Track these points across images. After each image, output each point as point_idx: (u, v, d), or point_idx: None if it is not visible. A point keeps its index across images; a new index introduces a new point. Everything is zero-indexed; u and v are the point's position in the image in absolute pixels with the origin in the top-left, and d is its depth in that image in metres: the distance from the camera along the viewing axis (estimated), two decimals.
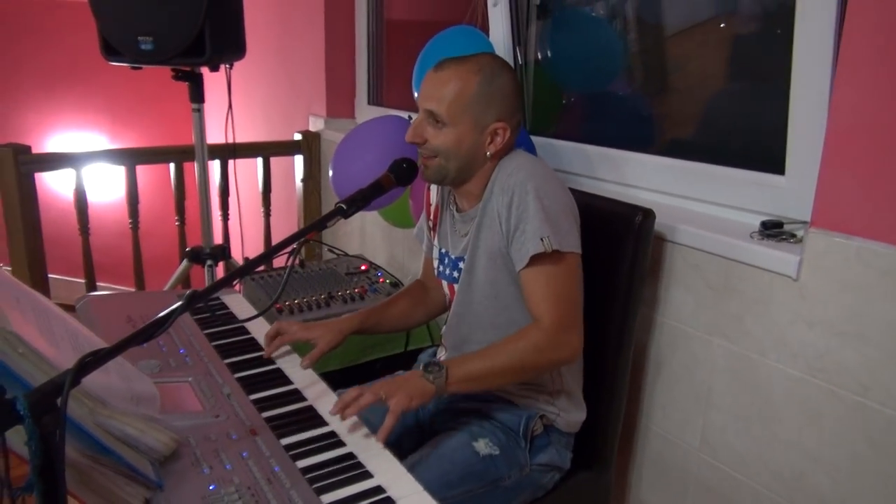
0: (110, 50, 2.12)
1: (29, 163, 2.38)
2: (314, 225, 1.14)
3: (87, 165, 2.53)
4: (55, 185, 4.03)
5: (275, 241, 3.02)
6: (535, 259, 1.20)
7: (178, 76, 2.23)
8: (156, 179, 3.73)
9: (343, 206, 1.19)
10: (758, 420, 1.34)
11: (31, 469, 0.72)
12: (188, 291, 1.60)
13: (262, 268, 2.61)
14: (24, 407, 0.69)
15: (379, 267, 2.33)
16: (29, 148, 2.39)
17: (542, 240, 1.18)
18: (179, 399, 1.20)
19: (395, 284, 2.20)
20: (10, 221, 2.41)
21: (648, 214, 1.37)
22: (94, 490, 0.85)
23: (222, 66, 2.19)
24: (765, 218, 1.38)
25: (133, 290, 2.82)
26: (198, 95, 2.27)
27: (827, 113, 1.22)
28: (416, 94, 1.84)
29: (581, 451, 1.43)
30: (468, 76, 1.25)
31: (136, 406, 1.03)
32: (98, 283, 2.69)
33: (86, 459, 0.86)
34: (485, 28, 2.00)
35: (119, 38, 2.07)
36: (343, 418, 1.12)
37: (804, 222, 1.31)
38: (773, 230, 1.34)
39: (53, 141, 4.50)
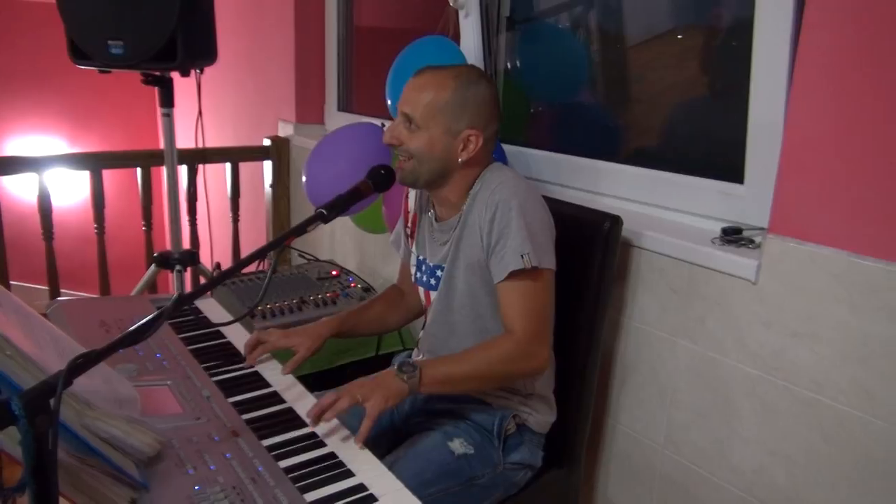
0: (79, 53, 2.10)
1: None
2: (295, 230, 1.16)
3: (52, 169, 2.49)
4: (9, 189, 3.94)
5: (243, 246, 3.01)
6: (514, 273, 1.25)
7: (148, 81, 2.21)
8: (115, 184, 3.68)
9: (324, 211, 1.21)
10: (718, 417, 1.41)
11: (24, 469, 0.74)
12: (175, 294, 1.61)
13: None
14: (18, 408, 0.70)
15: (350, 272, 2.35)
16: None
17: (522, 256, 1.23)
18: (159, 402, 1.21)
19: (367, 289, 2.23)
20: None
21: (616, 221, 1.43)
22: (83, 490, 0.86)
23: (193, 71, 2.19)
24: (725, 224, 1.45)
25: (97, 295, 2.78)
26: (168, 100, 2.26)
27: (783, 126, 1.30)
28: (388, 102, 1.87)
29: (552, 449, 1.48)
30: (444, 82, 1.29)
31: (119, 408, 1.04)
32: (60, 290, 2.65)
33: (74, 460, 0.87)
34: (456, 38, 2.05)
35: (88, 41, 2.06)
36: (315, 423, 1.15)
37: (762, 228, 1.38)
38: (732, 236, 1.41)
39: (11, 145, 4.40)
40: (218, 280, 1.02)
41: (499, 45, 2.10)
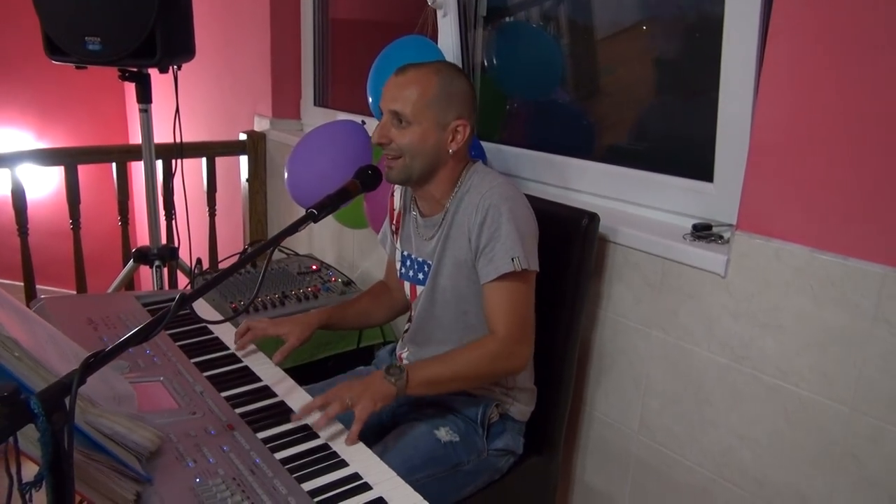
0: (54, 49, 2.08)
1: None
2: (287, 230, 1.20)
3: (24, 164, 2.47)
4: None
5: (220, 241, 3.02)
6: (502, 276, 1.30)
7: (125, 77, 2.21)
8: (84, 178, 3.65)
9: (314, 211, 1.25)
10: (690, 403, 1.49)
11: (41, 464, 0.77)
12: (178, 292, 1.63)
13: (207, 268, 2.62)
14: (38, 406, 0.74)
15: (330, 266, 2.38)
16: None
17: (513, 259, 1.29)
18: (154, 398, 1.24)
19: (347, 283, 2.26)
20: None
21: (594, 218, 1.49)
22: (91, 484, 0.89)
23: (170, 67, 2.19)
24: (696, 221, 1.53)
25: (73, 291, 2.76)
26: (145, 96, 2.26)
27: (750, 128, 1.38)
28: (370, 100, 1.91)
29: (532, 436, 1.54)
30: (428, 77, 1.34)
31: (118, 405, 1.07)
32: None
33: (81, 455, 0.90)
34: (435, 38, 2.09)
35: (65, 37, 2.04)
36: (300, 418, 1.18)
37: (730, 225, 1.46)
38: (703, 232, 1.48)
39: None
40: (220, 278, 1.05)
41: (475, 44, 2.15)
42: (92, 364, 0.81)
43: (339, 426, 1.20)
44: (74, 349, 1.12)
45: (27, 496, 0.78)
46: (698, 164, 1.56)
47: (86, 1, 1.98)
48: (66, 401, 0.78)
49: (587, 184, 1.79)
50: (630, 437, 1.63)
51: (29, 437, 0.79)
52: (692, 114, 1.69)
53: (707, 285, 1.42)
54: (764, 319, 1.33)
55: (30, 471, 0.80)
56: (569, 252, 1.50)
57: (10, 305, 1.04)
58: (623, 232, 1.56)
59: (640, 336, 1.57)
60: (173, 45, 2.08)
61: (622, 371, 1.62)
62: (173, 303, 0.97)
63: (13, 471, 0.77)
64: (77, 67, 2.14)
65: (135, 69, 2.18)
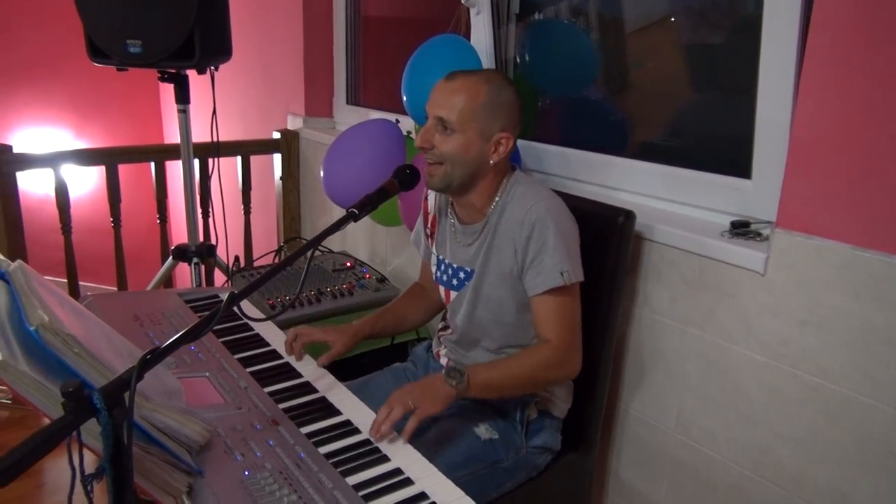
0: (97, 52, 2.13)
1: (11, 162, 2.39)
2: (329, 229, 1.22)
3: (67, 164, 2.54)
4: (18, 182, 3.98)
5: (255, 238, 3.07)
6: (551, 288, 1.32)
7: (165, 78, 2.26)
8: (122, 177, 3.74)
9: (355, 211, 1.27)
10: (727, 402, 1.48)
11: (102, 457, 0.80)
12: (218, 290, 1.67)
13: (244, 265, 2.67)
14: (100, 401, 0.77)
15: (364, 263, 2.41)
16: (10, 147, 2.40)
17: (562, 273, 1.31)
18: (201, 393, 1.28)
19: (381, 280, 2.29)
20: None
21: (630, 216, 1.49)
22: (147, 476, 0.93)
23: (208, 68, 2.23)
24: (733, 218, 1.52)
25: (114, 288, 2.83)
26: (184, 97, 2.30)
27: (789, 123, 1.36)
28: (404, 98, 1.92)
29: (569, 433, 1.55)
30: (478, 86, 1.34)
31: (168, 400, 1.10)
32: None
33: (137, 449, 0.93)
34: (468, 35, 2.10)
35: (107, 40, 2.09)
36: (379, 439, 1.18)
37: (769, 222, 1.45)
38: (741, 229, 1.47)
39: (19, 135, 4.43)
40: (265, 278, 1.08)
41: (508, 41, 2.15)
42: (149, 361, 0.84)
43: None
44: (126, 345, 1.16)
45: (89, 487, 0.81)
46: (734, 160, 1.55)
47: (127, 4, 2.03)
48: (125, 396, 0.81)
49: (622, 181, 1.79)
50: (666, 434, 1.63)
51: (90, 430, 0.83)
52: (727, 108, 1.68)
53: (746, 283, 1.41)
54: (804, 317, 1.32)
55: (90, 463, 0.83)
56: (605, 250, 1.50)
57: (67, 303, 1.08)
58: (659, 229, 1.56)
59: (677, 334, 1.56)
60: (211, 47, 2.12)
61: (658, 368, 1.62)
62: (223, 302, 1.00)
63: (76, 463, 0.80)
64: (118, 69, 2.19)
65: (174, 70, 2.22)
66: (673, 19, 1.80)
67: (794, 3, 1.34)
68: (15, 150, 2.41)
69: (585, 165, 1.88)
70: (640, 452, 1.70)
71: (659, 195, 1.71)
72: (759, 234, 1.45)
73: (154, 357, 0.85)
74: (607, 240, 1.50)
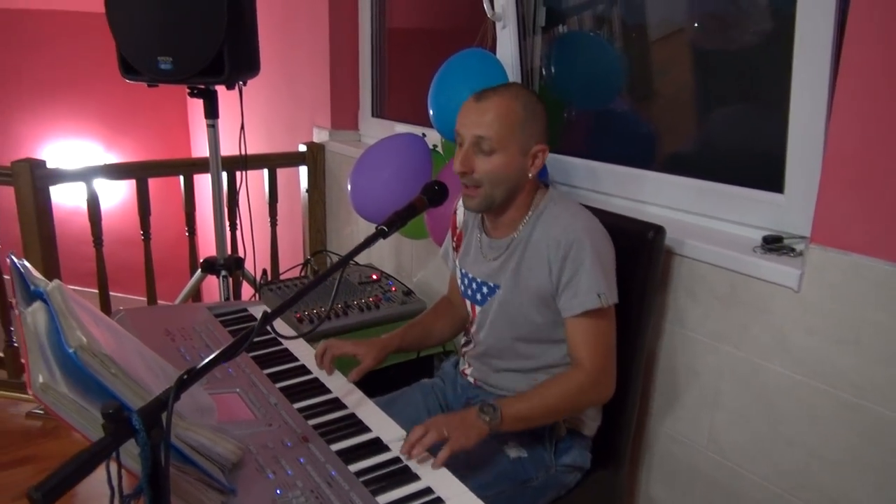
0: (129, 69, 2.18)
1: (45, 177, 2.44)
2: (360, 247, 1.23)
3: (99, 178, 2.59)
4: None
5: (281, 250, 3.09)
6: (587, 311, 1.31)
7: (194, 94, 2.29)
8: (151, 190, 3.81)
9: (384, 228, 1.28)
10: (762, 420, 1.46)
11: (140, 477, 0.81)
12: (247, 304, 1.68)
13: (271, 279, 2.69)
14: (139, 423, 0.78)
15: (389, 276, 2.41)
16: (44, 163, 2.45)
17: (599, 296, 1.30)
18: (232, 409, 1.29)
19: (407, 293, 2.29)
20: (26, 233, 2.46)
21: (659, 231, 1.48)
22: (181, 496, 0.93)
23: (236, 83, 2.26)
24: (765, 233, 1.49)
25: (143, 298, 2.87)
26: (213, 112, 2.34)
27: (824, 135, 1.34)
28: (431, 112, 1.93)
29: (598, 451, 1.53)
30: (510, 103, 1.33)
31: (200, 416, 1.11)
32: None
33: (172, 468, 0.94)
34: (494, 49, 2.10)
35: (138, 57, 2.13)
36: (409, 457, 1.18)
37: (803, 237, 1.43)
38: (774, 244, 1.45)
39: (50, 148, 4.53)
40: (298, 297, 1.08)
41: (534, 54, 2.15)
42: (185, 381, 0.85)
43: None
44: (159, 362, 1.18)
45: None
46: (765, 173, 1.53)
47: (159, 23, 2.07)
48: (163, 416, 0.82)
49: (651, 194, 1.77)
50: (698, 452, 1.60)
51: (128, 451, 0.84)
52: (757, 119, 1.66)
53: (779, 299, 1.39)
54: (841, 335, 1.29)
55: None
56: (634, 265, 1.49)
57: (102, 321, 1.10)
58: (690, 244, 1.54)
59: (709, 350, 1.54)
60: (240, 63, 2.15)
61: (690, 385, 1.60)
62: (256, 321, 1.00)
63: (115, 483, 0.81)
64: (149, 85, 2.23)
65: (203, 86, 2.26)
66: (697, 25, 1.78)
67: (829, 9, 1.31)
68: (49, 165, 2.46)
69: (613, 179, 1.87)
70: (671, 470, 1.68)
71: (688, 209, 1.69)
72: (793, 250, 1.43)
73: (190, 378, 0.86)
74: (637, 255, 1.48)
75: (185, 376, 0.86)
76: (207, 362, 0.90)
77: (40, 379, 0.81)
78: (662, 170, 1.79)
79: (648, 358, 1.62)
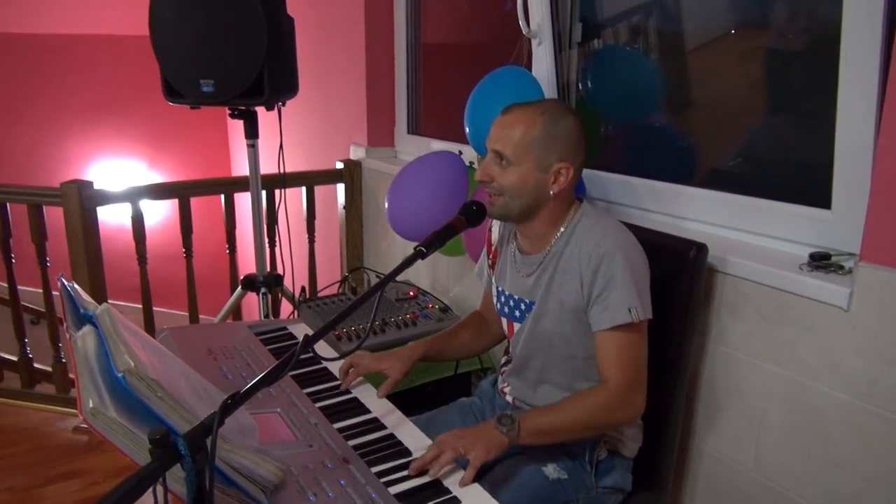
0: (172, 91, 2.23)
1: (92, 198, 2.51)
2: (399, 268, 1.24)
3: (144, 199, 2.66)
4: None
5: (318, 266, 3.13)
6: (617, 325, 1.29)
7: (235, 114, 2.34)
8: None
9: (423, 249, 1.28)
10: (811, 442, 1.41)
11: (186, 501, 0.82)
12: (286, 322, 1.70)
13: (309, 296, 2.72)
14: (184, 447, 0.79)
15: (426, 292, 2.42)
16: (92, 184, 2.52)
17: (630, 310, 1.28)
18: (273, 429, 1.30)
19: (444, 310, 2.29)
20: (74, 252, 2.54)
21: (702, 248, 1.45)
22: None
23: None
24: (812, 250, 1.46)
25: (185, 313, 2.92)
26: (253, 132, 2.38)
27: (872, 148, 1.30)
28: (467, 130, 1.93)
29: (640, 472, 1.51)
30: (533, 118, 1.34)
31: (242, 438, 1.13)
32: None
33: (217, 491, 0.95)
34: (530, 66, 2.10)
35: (182, 81, 2.19)
36: (432, 477, 1.17)
37: (851, 254, 1.39)
38: (821, 262, 1.41)
39: (96, 167, 4.67)
40: (338, 320, 1.09)
41: (570, 69, 2.14)
42: (230, 406, 0.86)
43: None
44: (204, 385, 1.20)
45: None
46: (810, 188, 1.49)
47: (201, 47, 2.12)
48: (207, 441, 0.83)
49: (691, 210, 1.75)
50: (743, 473, 1.56)
51: (174, 475, 0.85)
52: (801, 132, 1.62)
53: (827, 318, 1.35)
54: (893, 356, 1.25)
55: None
56: (676, 284, 1.46)
57: (149, 344, 1.12)
58: (733, 262, 1.51)
59: (754, 370, 1.51)
60: (279, 84, 2.19)
61: (734, 405, 1.56)
62: (298, 345, 1.01)
63: None
64: (192, 107, 2.28)
65: (244, 107, 2.30)
66: (735, 33, 1.75)
67: (876, 15, 1.27)
68: (95, 186, 2.54)
69: (652, 194, 1.84)
70: (715, 492, 1.64)
71: (730, 225, 1.66)
72: (841, 268, 1.39)
73: (234, 402, 0.87)
74: (678, 273, 1.46)
75: (229, 401, 0.87)
76: (250, 387, 0.91)
77: (90, 404, 0.83)
78: (703, 185, 1.76)
79: (691, 377, 1.59)
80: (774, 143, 1.70)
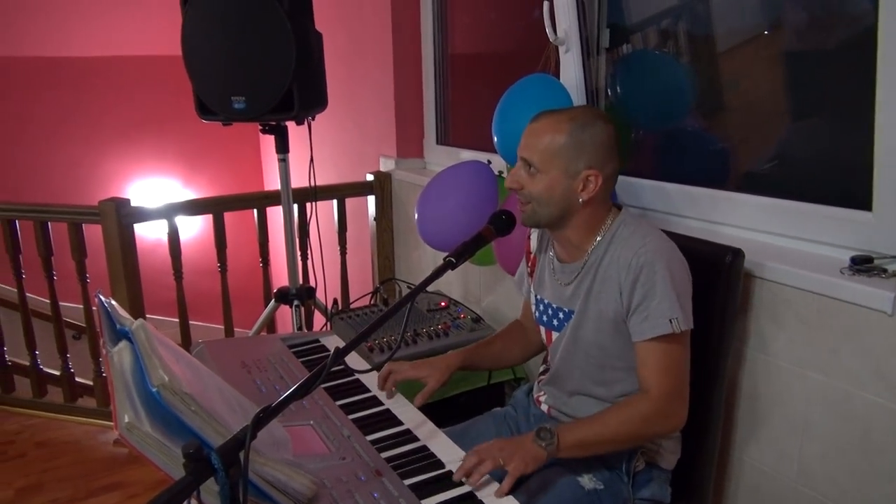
0: (205, 109, 2.28)
1: (129, 215, 2.57)
2: (429, 279, 1.23)
3: (179, 215, 2.71)
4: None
5: (350, 278, 3.14)
6: (658, 336, 1.27)
7: (266, 130, 2.37)
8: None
9: (452, 259, 1.28)
10: (857, 452, 1.37)
11: None
12: (319, 334, 1.71)
13: (341, 307, 2.73)
14: (218, 462, 0.79)
15: (458, 303, 2.41)
16: (129, 202, 2.58)
17: (671, 321, 1.26)
18: (306, 441, 1.30)
19: (477, 320, 2.28)
20: (112, 268, 2.59)
21: (738, 254, 1.42)
22: None
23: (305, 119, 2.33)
24: (853, 253, 1.41)
25: (220, 326, 2.97)
26: (283, 147, 2.41)
27: None
28: (495, 139, 1.93)
29: (678, 484, 1.47)
30: (560, 126, 1.33)
31: (275, 451, 1.13)
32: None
33: None
34: (557, 74, 2.09)
35: (213, 98, 2.23)
36: (471, 485, 1.17)
37: (894, 257, 1.34)
38: (862, 265, 1.37)
39: (134, 186, 4.78)
40: (368, 332, 1.09)
41: (598, 76, 2.13)
42: (262, 419, 0.87)
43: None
44: (238, 398, 1.21)
45: None
46: (849, 190, 1.45)
47: (231, 64, 2.16)
48: (240, 455, 0.83)
49: (727, 215, 1.71)
50: (787, 484, 1.52)
51: (208, 489, 0.85)
52: (838, 132, 1.58)
53: (871, 324, 1.31)
54: None
55: None
56: (712, 290, 1.43)
57: (183, 358, 1.14)
58: (770, 267, 1.47)
59: (796, 377, 1.46)
60: (309, 99, 2.22)
61: (776, 414, 1.52)
62: (329, 357, 1.02)
63: None
64: (224, 124, 2.32)
65: (274, 123, 2.34)
66: (766, 33, 1.71)
67: None
68: (133, 203, 2.59)
69: (686, 200, 1.81)
70: (758, 503, 1.59)
71: (767, 230, 1.62)
72: (884, 271, 1.34)
73: (266, 415, 0.87)
74: (714, 280, 1.43)
75: (262, 414, 0.87)
76: (282, 400, 0.92)
77: (126, 419, 0.84)
78: (738, 189, 1.73)
79: (730, 386, 1.55)
80: (811, 145, 1.66)
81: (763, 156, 1.80)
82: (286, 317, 2.83)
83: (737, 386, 1.58)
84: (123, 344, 1.03)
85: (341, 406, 1.46)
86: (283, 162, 2.45)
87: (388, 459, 1.26)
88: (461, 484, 1.19)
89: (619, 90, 2.12)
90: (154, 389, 0.88)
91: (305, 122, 2.34)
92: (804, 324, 1.43)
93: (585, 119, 1.35)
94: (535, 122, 1.37)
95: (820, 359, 1.41)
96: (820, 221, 1.51)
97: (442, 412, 1.66)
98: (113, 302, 1.20)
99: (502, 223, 1.40)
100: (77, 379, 3.05)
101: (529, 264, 1.58)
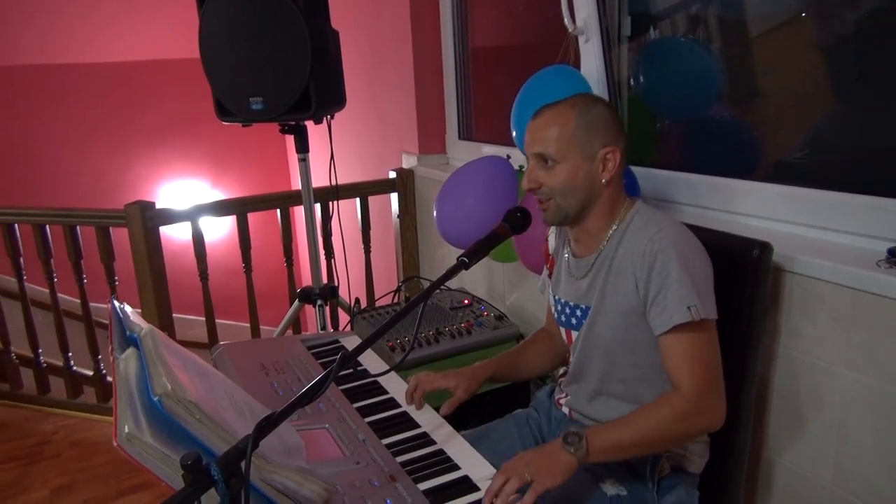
0: (224, 111, 2.28)
1: (154, 218, 2.59)
2: (441, 279, 1.20)
3: (203, 217, 2.72)
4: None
5: (375, 276, 3.13)
6: (679, 326, 1.21)
7: (285, 130, 2.37)
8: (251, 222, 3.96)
9: (465, 259, 1.25)
10: None
11: None
12: (338, 335, 1.70)
13: (365, 306, 2.72)
14: (217, 472, 0.77)
15: (482, 300, 2.38)
16: (153, 204, 2.60)
17: (689, 308, 1.20)
18: (321, 446, 1.28)
19: (500, 317, 2.24)
20: (139, 270, 2.62)
21: (766, 247, 1.36)
22: None
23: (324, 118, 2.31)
24: (890, 245, 1.34)
25: (245, 324, 2.98)
26: (303, 146, 2.40)
27: None
28: (514, 133, 1.89)
29: (707, 488, 1.42)
30: (564, 113, 1.31)
31: (287, 457, 1.11)
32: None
33: None
34: (577, 64, 2.03)
35: (232, 100, 2.23)
36: None
37: None
38: None
39: (164, 189, 4.84)
40: (374, 338, 1.07)
41: (620, 65, 2.07)
42: (264, 428, 0.85)
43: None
44: (249, 403, 1.19)
45: None
46: (885, 179, 1.38)
47: (248, 66, 2.15)
48: (242, 465, 0.81)
49: (755, 207, 1.64)
50: (823, 488, 1.45)
51: (211, 498, 0.84)
52: (874, 119, 1.50)
53: None
54: None
55: None
56: (739, 286, 1.37)
57: (193, 364, 1.13)
58: (801, 260, 1.40)
59: (829, 376, 1.40)
60: (326, 98, 2.20)
61: (810, 415, 1.45)
62: (334, 365, 0.99)
63: None
64: (243, 125, 2.32)
65: (293, 122, 2.33)
66: (804, 15, 1.63)
67: None
68: (158, 206, 2.62)
69: (712, 191, 1.75)
70: None
71: (798, 221, 1.55)
72: None
73: (269, 425, 0.85)
74: (741, 275, 1.37)
75: (264, 423, 0.85)
76: (285, 409, 0.90)
77: (126, 429, 0.83)
78: (767, 179, 1.66)
79: (760, 385, 1.49)
80: (844, 133, 1.58)
81: (795, 144, 1.72)
82: (313, 316, 2.84)
83: (768, 385, 1.52)
84: (131, 351, 1.03)
85: (358, 408, 1.44)
86: (304, 161, 2.44)
87: (404, 464, 1.23)
88: (477, 489, 1.16)
89: (642, 80, 2.06)
90: (155, 399, 0.86)
91: (325, 121, 2.33)
92: (838, 320, 1.36)
93: (586, 102, 1.33)
94: (537, 118, 1.34)
95: (855, 356, 1.34)
96: (853, 211, 1.43)
97: (466, 412, 1.63)
98: (126, 307, 1.19)
99: (517, 220, 1.36)
100: (108, 379, 3.09)
101: (548, 266, 1.54)
